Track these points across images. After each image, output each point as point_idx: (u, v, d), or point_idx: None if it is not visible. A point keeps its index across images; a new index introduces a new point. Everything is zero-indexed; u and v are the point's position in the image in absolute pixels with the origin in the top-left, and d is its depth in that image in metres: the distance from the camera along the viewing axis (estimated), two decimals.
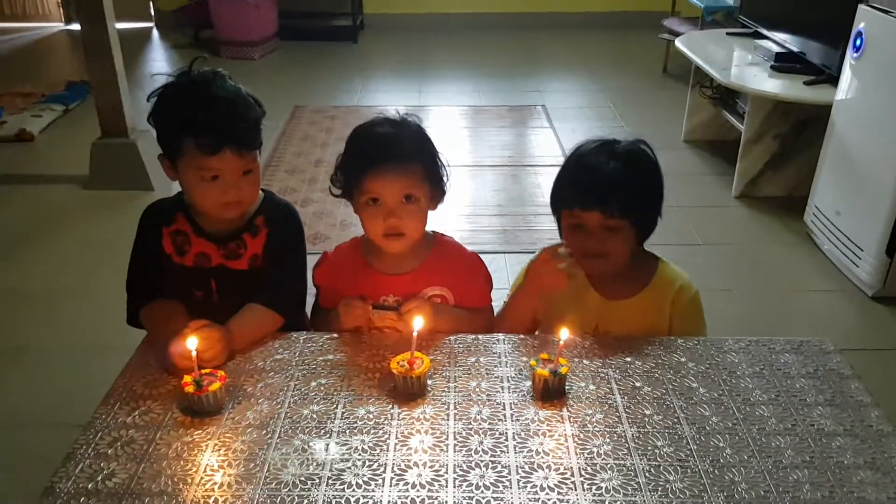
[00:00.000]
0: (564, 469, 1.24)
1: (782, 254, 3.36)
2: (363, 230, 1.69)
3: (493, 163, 4.32)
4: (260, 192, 1.76)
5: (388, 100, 5.43)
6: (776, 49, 3.87)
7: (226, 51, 6.33)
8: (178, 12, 7.05)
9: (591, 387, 1.45)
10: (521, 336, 1.63)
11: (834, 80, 3.34)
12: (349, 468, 1.24)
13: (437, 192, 1.69)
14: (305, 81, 5.79)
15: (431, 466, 1.24)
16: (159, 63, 6.45)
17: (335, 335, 1.62)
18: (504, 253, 3.26)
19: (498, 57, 6.56)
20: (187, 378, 1.37)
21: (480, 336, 1.63)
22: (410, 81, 5.93)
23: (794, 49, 3.78)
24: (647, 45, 6.40)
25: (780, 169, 3.74)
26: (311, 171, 4.14)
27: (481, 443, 1.30)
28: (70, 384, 2.50)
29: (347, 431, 1.33)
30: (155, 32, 7.38)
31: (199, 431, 1.33)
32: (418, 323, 1.46)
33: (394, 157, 1.60)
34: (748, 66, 3.89)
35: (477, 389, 1.44)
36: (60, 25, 7.57)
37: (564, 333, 1.44)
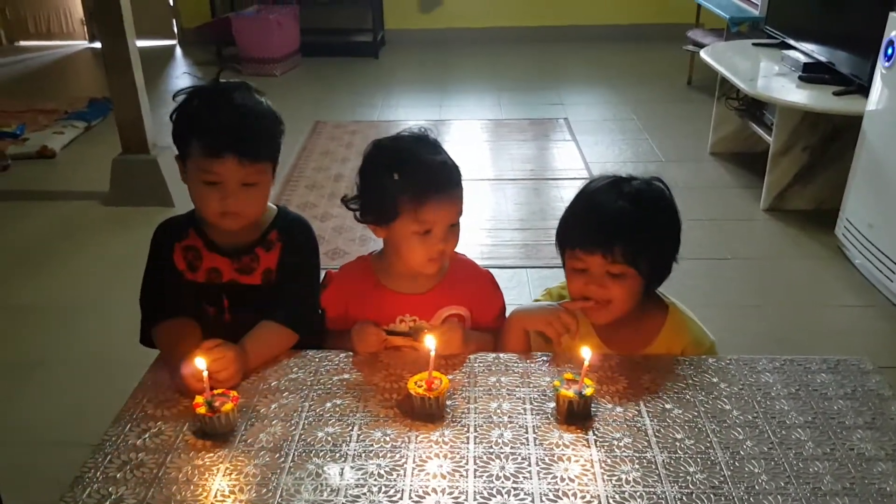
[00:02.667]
0: (591, 497, 1.18)
1: (813, 268, 3.28)
2: (403, 255, 1.61)
3: (515, 176, 4.26)
4: (273, 206, 1.72)
5: (410, 114, 5.40)
6: (804, 59, 3.79)
7: (248, 67, 6.33)
8: (200, 29, 7.08)
9: (619, 409, 1.39)
10: (544, 355, 1.57)
11: (864, 91, 3.26)
12: (365, 494, 1.19)
13: None
14: (326, 97, 5.77)
15: (450, 493, 1.19)
16: (182, 80, 6.47)
17: (351, 354, 1.57)
18: (526, 268, 3.20)
19: (518, 71, 6.53)
20: (199, 399, 1.33)
21: (501, 355, 1.57)
22: (431, 96, 5.90)
23: (823, 59, 3.70)
24: (670, 57, 6.34)
25: (809, 181, 3.66)
26: (330, 186, 4.11)
27: (503, 468, 1.24)
28: (83, 401, 2.47)
29: (363, 455, 1.28)
30: (178, 50, 7.41)
31: (211, 454, 1.28)
32: (431, 342, 1.41)
33: (449, 186, 1.56)
34: (775, 77, 3.81)
35: (498, 411, 1.39)
36: (84, 43, 7.64)
37: (587, 352, 1.38)
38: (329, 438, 1.31)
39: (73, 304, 3.09)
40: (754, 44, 4.40)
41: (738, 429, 1.33)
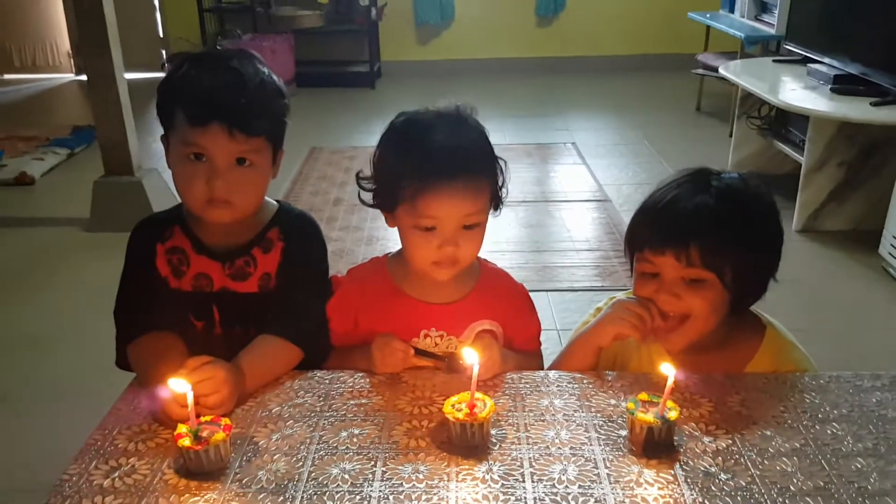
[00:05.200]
0: None
1: (858, 289, 3.04)
2: (406, 253, 1.36)
3: (525, 199, 4.04)
4: (273, 201, 1.46)
5: None
6: (834, 72, 3.58)
7: None
8: None
9: (707, 438, 1.12)
10: (606, 373, 1.29)
11: None
12: None
13: (496, 201, 1.37)
14: (322, 124, 5.56)
15: None
16: None
17: (368, 375, 1.30)
18: (547, 291, 2.93)
19: (521, 100, 6.34)
20: (182, 428, 1.06)
21: (550, 373, 1.31)
22: None
23: (854, 72, 3.49)
24: (677, 85, 6.19)
25: (845, 200, 3.42)
26: (329, 210, 3.87)
27: None
28: (50, 441, 2.17)
29: (391, 498, 1.00)
30: None
31: (197, 498, 1.01)
32: (473, 356, 1.14)
33: (461, 176, 1.25)
34: (804, 90, 3.59)
35: (556, 441, 1.12)
36: (71, 76, 7.42)
37: (669, 369, 1.10)
38: (346, 477, 1.04)
39: (45, 335, 2.82)
40: (775, 60, 4.20)
41: (859, 459, 1.07)
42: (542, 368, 1.46)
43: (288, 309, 1.36)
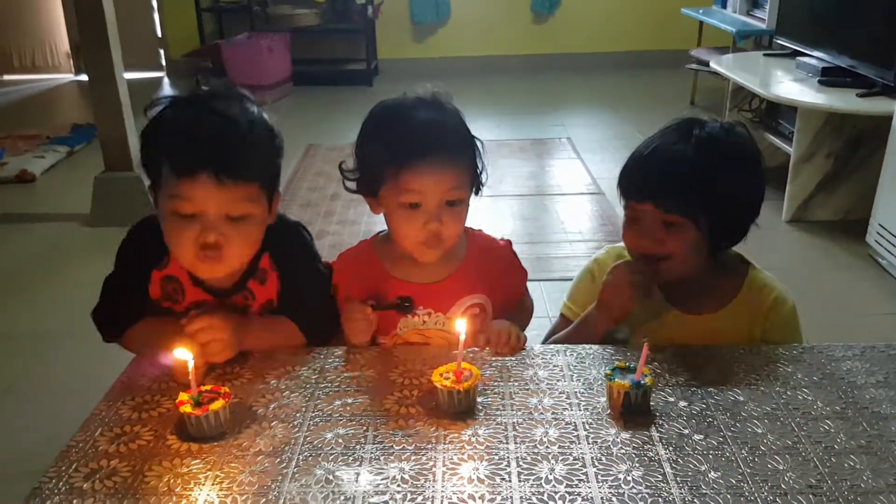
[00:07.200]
0: (664, 501, 0.97)
1: (846, 278, 3.09)
2: (393, 234, 1.42)
3: (520, 192, 4.09)
4: None
5: None
6: (822, 64, 3.64)
7: None
8: (189, 57, 6.91)
9: (682, 403, 1.18)
10: (587, 346, 1.35)
11: (891, 91, 3.11)
12: (387, 502, 0.98)
13: (476, 185, 1.43)
14: (319, 122, 5.58)
15: (492, 500, 0.98)
16: None
17: (361, 350, 1.36)
18: (539, 280, 2.98)
19: (516, 96, 6.38)
20: (183, 396, 1.12)
21: (535, 346, 1.37)
22: None
23: (842, 64, 3.55)
24: (671, 81, 6.21)
25: (834, 190, 3.47)
26: (326, 204, 3.93)
27: (552, 470, 1.03)
28: (52, 430, 2.20)
29: (382, 458, 1.06)
30: (166, 81, 7.23)
31: (198, 461, 1.07)
32: (461, 325, 1.20)
33: (441, 150, 1.31)
34: (793, 83, 3.65)
35: (539, 407, 1.17)
36: (70, 76, 7.45)
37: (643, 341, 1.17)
38: (340, 440, 1.10)
39: (48, 329, 2.86)
40: (765, 54, 4.26)
41: (827, 421, 1.13)
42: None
43: (295, 307, 1.40)
